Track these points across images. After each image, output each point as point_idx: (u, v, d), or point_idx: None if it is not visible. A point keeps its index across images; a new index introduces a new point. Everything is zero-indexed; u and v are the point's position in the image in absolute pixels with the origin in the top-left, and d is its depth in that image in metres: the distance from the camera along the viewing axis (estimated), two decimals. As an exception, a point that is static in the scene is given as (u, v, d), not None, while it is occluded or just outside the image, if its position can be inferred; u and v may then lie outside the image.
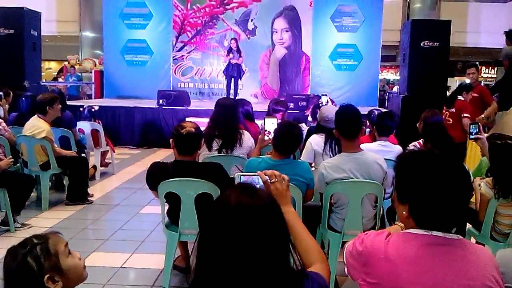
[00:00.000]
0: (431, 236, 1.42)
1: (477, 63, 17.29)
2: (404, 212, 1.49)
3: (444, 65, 8.59)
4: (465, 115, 6.35)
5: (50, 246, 1.56)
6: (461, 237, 1.45)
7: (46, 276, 1.51)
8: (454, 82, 19.57)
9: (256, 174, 1.71)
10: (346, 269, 1.57)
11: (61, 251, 1.58)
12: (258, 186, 1.65)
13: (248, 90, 12.98)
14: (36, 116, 5.28)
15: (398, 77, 19.67)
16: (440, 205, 1.41)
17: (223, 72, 11.53)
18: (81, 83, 15.08)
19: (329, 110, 4.17)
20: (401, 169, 1.52)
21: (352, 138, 3.21)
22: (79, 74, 15.03)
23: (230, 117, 4.23)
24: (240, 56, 11.10)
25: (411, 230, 1.46)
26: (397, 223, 1.77)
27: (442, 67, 8.51)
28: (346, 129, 3.21)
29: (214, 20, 13.40)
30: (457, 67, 20.90)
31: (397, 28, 16.71)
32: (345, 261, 1.57)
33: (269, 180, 1.69)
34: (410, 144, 4.27)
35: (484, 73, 22.14)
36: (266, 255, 1.20)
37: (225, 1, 13.30)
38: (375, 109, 4.73)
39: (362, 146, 3.41)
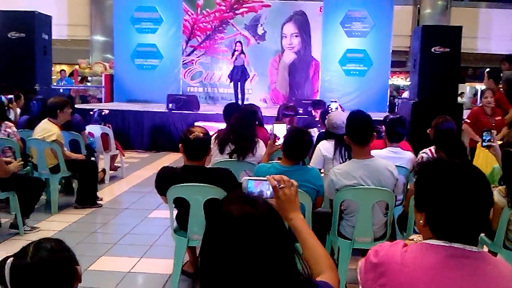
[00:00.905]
0: (450, 247, 1.38)
1: (488, 69, 17.23)
2: (421, 221, 1.46)
3: (455, 71, 8.51)
4: (466, 120, 6.42)
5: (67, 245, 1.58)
6: (481, 249, 1.42)
7: (78, 267, 1.53)
8: (465, 88, 19.45)
9: (265, 178, 1.68)
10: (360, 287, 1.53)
11: None
12: (268, 192, 1.63)
13: (257, 95, 12.98)
14: (46, 119, 5.30)
15: (408, 83, 19.60)
16: (458, 215, 1.38)
17: (228, 76, 11.53)
18: (93, 86, 15.20)
19: (337, 117, 4.14)
20: (420, 176, 1.49)
21: (363, 144, 3.18)
22: (70, 77, 15.13)
23: (247, 125, 4.19)
24: (243, 60, 11.10)
25: (430, 241, 1.42)
26: (411, 237, 1.72)
27: (453, 73, 8.43)
28: (356, 135, 3.18)
29: (224, 25, 13.43)
30: (468, 73, 20.78)
31: (407, 33, 16.68)
32: (359, 279, 1.53)
33: (278, 186, 1.66)
34: (421, 151, 4.23)
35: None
36: (273, 264, 1.18)
37: (235, 6, 13.33)
38: (392, 115, 4.71)
39: (372, 152, 3.38)
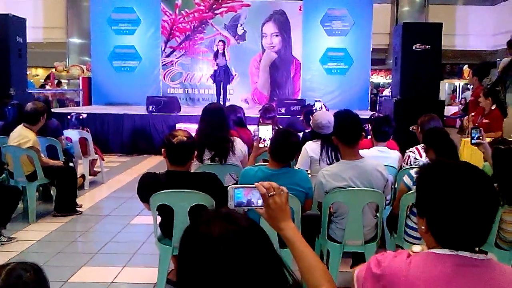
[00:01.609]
0: (457, 256, 1.30)
1: (466, 65, 17.38)
2: (422, 227, 1.38)
3: (436, 67, 8.53)
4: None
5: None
6: (489, 257, 1.34)
7: None
8: (443, 85, 19.61)
9: (253, 186, 1.56)
10: None
11: None
12: (259, 201, 1.53)
13: (239, 95, 12.87)
14: (21, 125, 5.11)
15: (388, 81, 19.69)
16: (461, 220, 1.30)
17: (210, 77, 11.38)
18: (70, 90, 14.92)
19: (322, 116, 4.07)
20: (421, 180, 1.41)
21: (352, 145, 3.10)
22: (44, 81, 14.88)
23: (219, 125, 4.05)
24: (226, 60, 10.94)
25: (435, 250, 1.34)
26: (414, 248, 1.64)
27: (434, 70, 8.44)
28: (345, 135, 3.09)
29: (203, 25, 13.28)
30: (446, 69, 20.98)
31: (386, 31, 16.76)
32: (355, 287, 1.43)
33: (267, 194, 1.55)
34: (408, 150, 4.18)
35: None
36: (261, 279, 1.09)
37: (214, 6, 13.20)
38: (378, 113, 4.65)
39: (360, 152, 3.30)
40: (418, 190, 1.43)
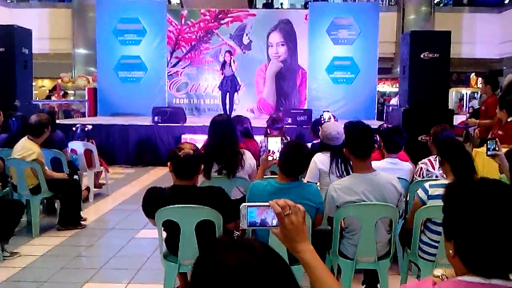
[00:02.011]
0: (490, 285, 1.19)
1: (473, 73, 17.21)
2: (450, 251, 1.27)
3: (445, 76, 8.44)
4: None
5: None
6: None
7: None
8: (450, 94, 19.47)
9: (268, 204, 1.45)
10: None
11: None
12: (274, 221, 1.42)
13: (245, 105, 12.80)
14: (26, 137, 5.04)
15: (394, 90, 19.55)
16: (493, 243, 1.19)
17: (218, 87, 11.32)
18: (76, 101, 14.91)
19: (332, 127, 3.95)
20: (449, 200, 1.30)
21: (364, 158, 2.99)
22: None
23: (228, 138, 3.91)
24: (232, 70, 10.81)
25: (465, 278, 1.22)
26: (436, 273, 1.53)
27: (443, 78, 8.35)
28: (357, 148, 2.98)
29: (209, 35, 13.26)
30: (452, 78, 20.85)
31: (391, 40, 16.65)
32: None
33: (282, 213, 1.44)
34: (420, 162, 4.06)
35: (480, 83, 22.03)
36: None
37: (219, 16, 13.18)
38: (387, 123, 4.53)
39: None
40: (445, 211, 1.32)
